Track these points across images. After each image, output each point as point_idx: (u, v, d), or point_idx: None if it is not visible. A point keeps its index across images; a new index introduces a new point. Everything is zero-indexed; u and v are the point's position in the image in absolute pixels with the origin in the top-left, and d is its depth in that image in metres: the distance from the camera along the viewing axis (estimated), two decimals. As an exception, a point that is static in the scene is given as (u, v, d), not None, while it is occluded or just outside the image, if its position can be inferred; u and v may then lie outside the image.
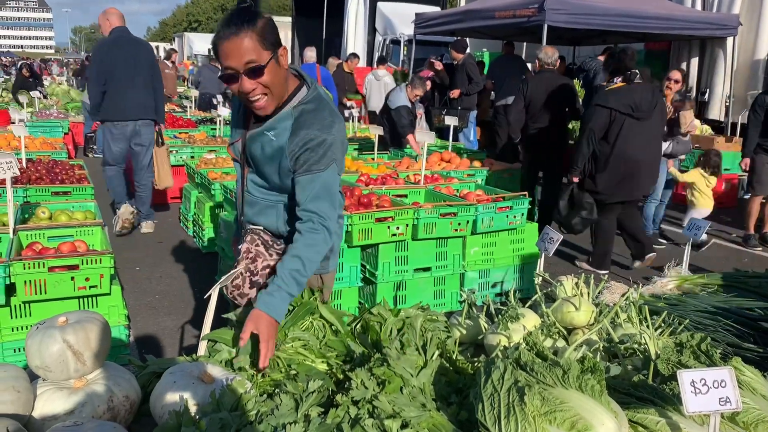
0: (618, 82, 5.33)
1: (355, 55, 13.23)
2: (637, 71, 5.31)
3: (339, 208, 2.32)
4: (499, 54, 12.30)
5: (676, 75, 6.56)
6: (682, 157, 6.90)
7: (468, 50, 10.69)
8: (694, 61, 11.14)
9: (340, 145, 2.16)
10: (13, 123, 6.92)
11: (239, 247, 2.26)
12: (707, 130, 9.39)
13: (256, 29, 1.97)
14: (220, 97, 11.97)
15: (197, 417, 1.53)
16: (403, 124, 7.77)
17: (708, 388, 1.41)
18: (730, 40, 10.31)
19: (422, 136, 5.40)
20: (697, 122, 8.79)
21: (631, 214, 5.81)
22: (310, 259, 2.07)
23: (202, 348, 2.01)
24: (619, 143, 5.30)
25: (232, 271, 2.25)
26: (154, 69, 6.51)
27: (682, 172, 6.85)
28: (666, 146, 6.48)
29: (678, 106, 6.52)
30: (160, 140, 6.58)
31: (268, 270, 2.18)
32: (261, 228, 2.31)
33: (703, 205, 6.58)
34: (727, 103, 10.50)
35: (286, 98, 2.15)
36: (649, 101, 5.30)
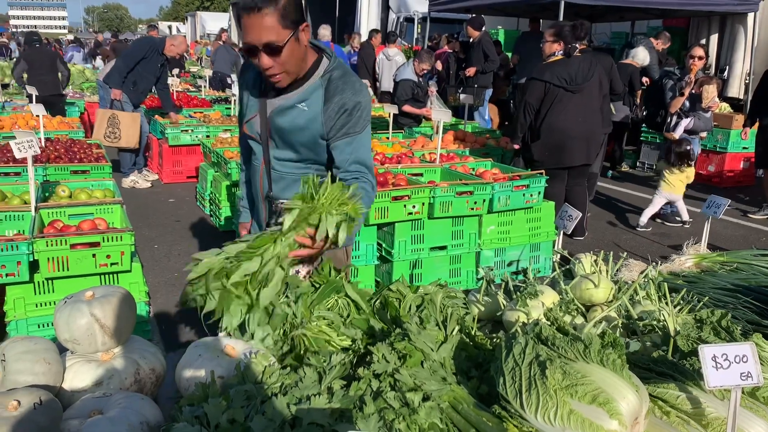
0: (559, 54, 5.54)
1: (377, 31, 13.15)
2: (576, 45, 5.53)
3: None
4: (516, 31, 12.17)
5: (699, 51, 6.47)
6: (703, 134, 6.80)
7: (484, 27, 10.57)
8: (714, 38, 10.95)
9: (370, 107, 2.24)
10: (31, 102, 6.96)
11: (273, 219, 2.26)
12: (726, 107, 9.27)
13: (279, 7, 1.96)
14: (234, 77, 11.96)
15: (223, 388, 1.56)
16: (401, 96, 7.74)
17: (729, 363, 1.42)
18: (750, 16, 10.11)
19: (438, 115, 5.39)
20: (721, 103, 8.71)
21: (576, 191, 5.86)
22: (364, 206, 2.07)
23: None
24: (549, 114, 5.58)
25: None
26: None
27: (703, 149, 6.79)
28: (687, 122, 6.39)
29: (703, 80, 6.43)
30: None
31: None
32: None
33: (668, 190, 6.43)
34: (747, 81, 10.33)
35: (308, 69, 2.19)
36: (584, 74, 5.50)
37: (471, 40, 10.26)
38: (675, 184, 6.35)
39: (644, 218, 6.49)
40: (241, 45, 2.10)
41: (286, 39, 2.01)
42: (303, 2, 2.11)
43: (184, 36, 8.21)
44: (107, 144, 7.31)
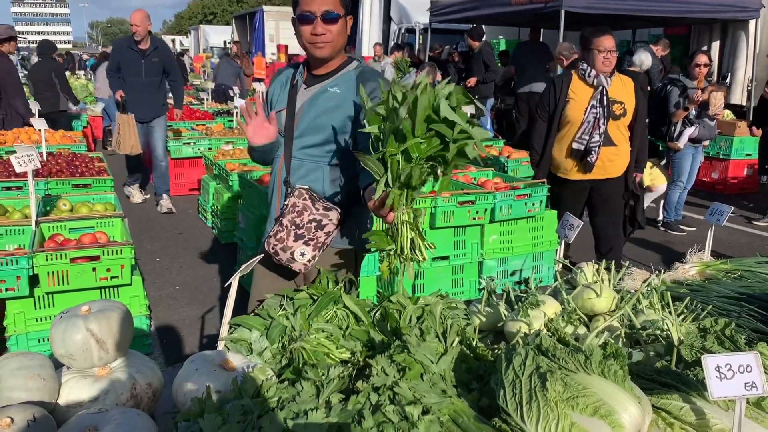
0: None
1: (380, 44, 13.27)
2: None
3: None
4: (518, 41, 12.16)
5: (703, 59, 6.43)
6: (706, 143, 6.77)
7: (484, 38, 10.59)
8: (715, 45, 10.96)
9: None
10: (34, 116, 6.98)
11: (285, 202, 2.33)
12: (729, 114, 9.25)
13: None
14: (236, 89, 12.01)
15: (219, 403, 1.54)
16: None
17: (733, 373, 1.39)
18: (752, 23, 10.11)
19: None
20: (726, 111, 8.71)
21: None
22: None
23: (224, 330, 2.03)
24: None
25: (252, 260, 2.27)
26: None
27: (706, 156, 6.80)
28: (692, 131, 6.35)
29: (713, 89, 6.41)
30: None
31: (313, 224, 2.26)
32: (308, 186, 2.37)
33: (658, 184, 6.59)
34: (749, 87, 10.32)
35: (339, 64, 2.41)
36: None
37: (471, 50, 10.29)
38: (653, 173, 6.51)
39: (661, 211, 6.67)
40: (296, 15, 2.32)
41: (341, 15, 2.30)
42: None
43: (139, 9, 7.01)
44: (120, 152, 7.00)
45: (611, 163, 4.57)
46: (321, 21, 2.27)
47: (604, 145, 4.49)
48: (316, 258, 2.29)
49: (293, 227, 2.25)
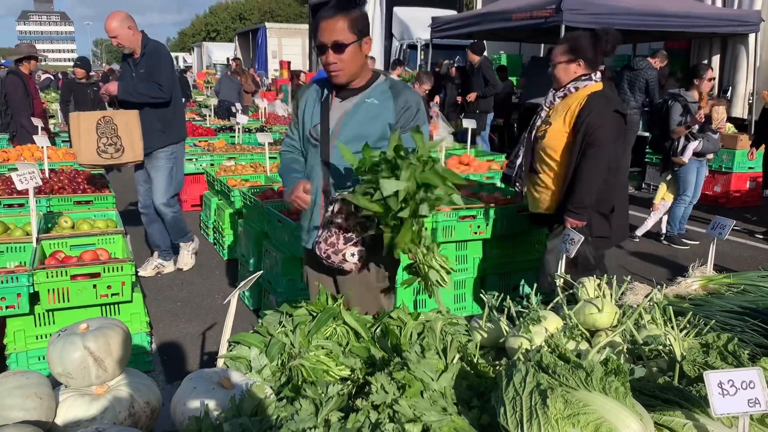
0: (585, 81, 3.66)
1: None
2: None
3: None
4: (519, 56, 12.21)
5: (711, 73, 6.48)
6: (710, 156, 6.75)
7: (485, 52, 10.65)
8: (716, 59, 10.99)
9: (425, 107, 2.69)
10: (37, 134, 7.01)
11: (330, 208, 2.49)
12: (730, 128, 9.25)
13: (349, 17, 2.46)
14: (238, 105, 12.06)
15: (217, 422, 1.52)
16: None
17: (736, 390, 1.38)
18: (752, 37, 10.14)
19: (439, 135, 5.39)
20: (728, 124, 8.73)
21: None
22: None
23: (223, 348, 2.02)
24: (624, 164, 4.41)
25: (250, 277, 2.26)
26: None
27: (710, 169, 6.83)
28: (696, 145, 6.33)
29: (714, 103, 6.42)
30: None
31: (359, 227, 2.47)
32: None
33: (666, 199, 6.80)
34: (750, 101, 10.33)
35: (369, 80, 2.62)
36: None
37: (471, 65, 10.34)
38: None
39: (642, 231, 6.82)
40: (314, 46, 2.67)
41: (351, 42, 2.47)
42: (369, 19, 2.61)
43: (112, 13, 4.86)
44: (105, 162, 4.74)
45: (538, 194, 3.84)
46: (331, 51, 2.47)
47: (530, 170, 3.85)
48: (363, 257, 2.50)
49: (341, 231, 2.46)
